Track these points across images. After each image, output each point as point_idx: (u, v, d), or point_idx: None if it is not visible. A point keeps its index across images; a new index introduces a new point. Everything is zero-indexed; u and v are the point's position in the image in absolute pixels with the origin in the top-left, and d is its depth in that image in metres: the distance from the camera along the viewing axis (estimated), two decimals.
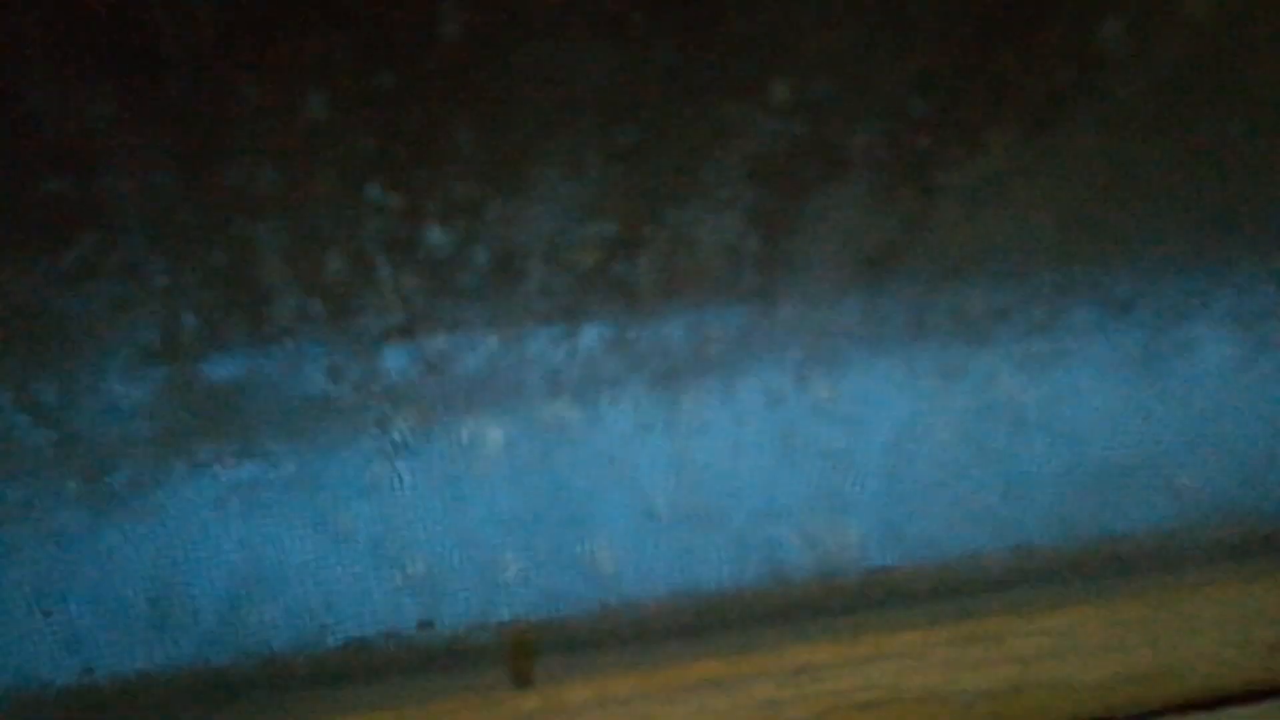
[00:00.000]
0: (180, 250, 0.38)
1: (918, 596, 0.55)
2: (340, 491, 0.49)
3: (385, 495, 0.49)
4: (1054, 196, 0.45)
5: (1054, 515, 0.55)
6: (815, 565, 0.54)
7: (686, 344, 0.48)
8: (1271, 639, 0.54)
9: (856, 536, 0.54)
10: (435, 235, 0.41)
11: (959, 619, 0.54)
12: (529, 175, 0.39)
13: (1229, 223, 0.48)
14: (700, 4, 0.37)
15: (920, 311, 0.48)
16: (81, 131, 0.34)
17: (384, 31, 0.34)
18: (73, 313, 0.39)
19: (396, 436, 0.48)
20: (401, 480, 0.49)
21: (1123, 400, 0.52)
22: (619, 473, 0.51)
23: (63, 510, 0.46)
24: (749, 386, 0.50)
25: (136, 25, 0.33)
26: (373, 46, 0.35)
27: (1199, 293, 0.50)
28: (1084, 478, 0.54)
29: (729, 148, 0.41)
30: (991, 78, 0.41)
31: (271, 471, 0.48)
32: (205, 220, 0.37)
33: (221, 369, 0.44)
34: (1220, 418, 0.54)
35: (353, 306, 0.43)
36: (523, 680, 0.51)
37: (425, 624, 0.52)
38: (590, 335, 0.47)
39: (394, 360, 0.46)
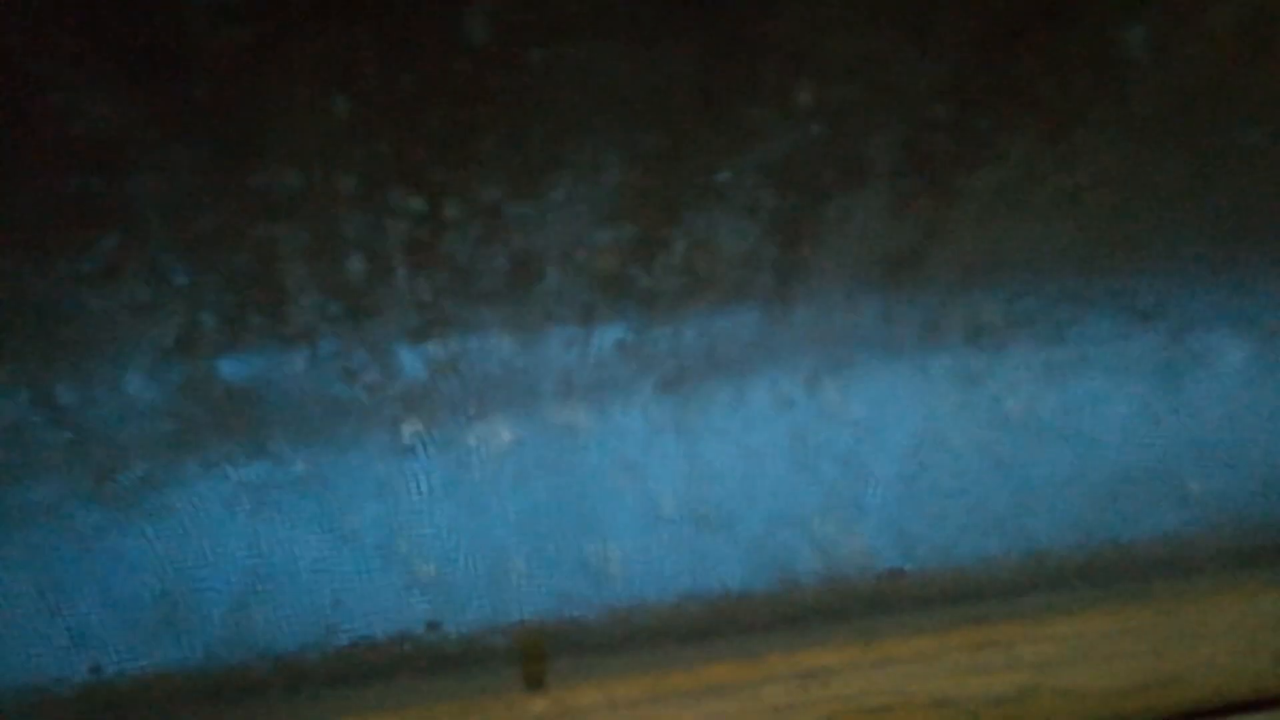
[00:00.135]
0: (202, 251, 0.38)
1: (928, 602, 0.55)
2: (352, 492, 0.49)
3: (397, 496, 0.49)
4: (1072, 204, 0.45)
5: (1065, 522, 0.55)
6: (826, 570, 0.54)
7: (702, 348, 0.48)
8: None
9: (867, 541, 0.54)
10: (454, 238, 0.41)
11: (970, 625, 0.54)
12: (550, 179, 0.39)
13: (1247, 231, 0.48)
14: (723, 10, 0.37)
15: (935, 317, 0.48)
16: (106, 132, 0.34)
17: (409, 35, 0.34)
18: (92, 313, 0.39)
19: (408, 438, 0.48)
20: (414, 482, 0.49)
21: (1135, 408, 0.52)
22: (632, 476, 0.51)
23: (73, 508, 0.46)
24: (763, 391, 0.50)
25: (163, 27, 0.33)
26: (397, 50, 0.35)
27: (1214, 301, 0.50)
28: (1095, 484, 0.54)
29: (750, 153, 0.40)
30: (1012, 84, 0.41)
31: (283, 472, 0.48)
32: (227, 222, 0.37)
33: (237, 369, 0.44)
34: (1232, 426, 0.54)
35: (370, 308, 0.42)
36: (534, 683, 0.51)
37: (436, 625, 0.52)
38: (605, 339, 0.47)
39: (409, 362, 0.46)
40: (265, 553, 0.49)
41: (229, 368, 0.43)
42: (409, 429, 0.48)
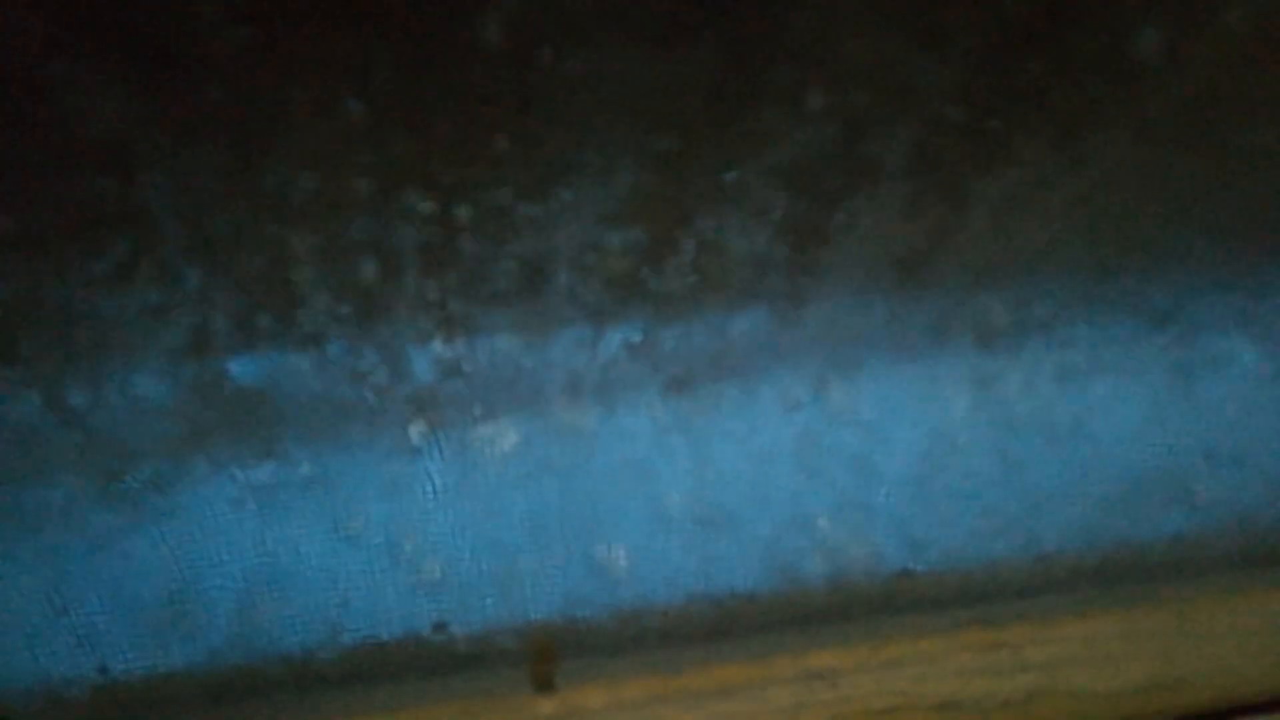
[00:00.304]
0: (214, 253, 0.38)
1: (936, 603, 0.55)
2: (360, 493, 0.49)
3: (406, 497, 0.49)
4: (1083, 206, 0.45)
5: (1074, 524, 0.55)
6: (834, 571, 0.54)
7: (712, 350, 0.48)
8: None
9: (876, 543, 0.54)
10: (466, 240, 0.40)
11: (978, 626, 0.54)
12: (562, 181, 0.39)
13: (1259, 234, 0.48)
14: (736, 13, 0.37)
15: (946, 320, 0.48)
16: (118, 134, 0.34)
17: (423, 37, 0.34)
18: (103, 315, 0.39)
19: (416, 439, 0.48)
20: (423, 483, 0.49)
21: (1145, 410, 0.52)
22: (641, 477, 0.51)
23: (81, 509, 0.46)
24: (772, 392, 0.50)
25: (175, 29, 0.32)
26: (411, 52, 0.34)
27: (1226, 304, 0.50)
28: (1104, 487, 0.54)
29: (762, 155, 0.40)
30: (1023, 87, 0.41)
31: (291, 472, 0.48)
32: (240, 224, 0.37)
33: (247, 370, 0.44)
34: (1241, 429, 0.54)
35: (380, 310, 0.42)
36: (544, 685, 0.51)
37: (443, 627, 0.52)
38: (615, 341, 0.47)
39: (418, 363, 0.46)
40: (273, 553, 0.49)
41: (239, 369, 0.43)
42: (417, 430, 0.48)
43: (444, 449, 0.48)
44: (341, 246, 0.39)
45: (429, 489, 0.49)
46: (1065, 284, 0.48)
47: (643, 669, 0.52)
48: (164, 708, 0.51)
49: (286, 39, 0.34)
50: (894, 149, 0.42)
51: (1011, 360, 0.50)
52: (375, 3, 0.33)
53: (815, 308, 0.47)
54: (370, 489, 0.49)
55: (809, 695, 0.52)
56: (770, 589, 0.54)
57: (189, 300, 0.39)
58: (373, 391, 0.46)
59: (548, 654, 0.52)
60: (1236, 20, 0.41)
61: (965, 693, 0.53)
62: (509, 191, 0.39)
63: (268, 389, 0.44)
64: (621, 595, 0.53)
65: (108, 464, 0.45)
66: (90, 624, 0.49)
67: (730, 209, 0.42)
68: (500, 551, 0.51)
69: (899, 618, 0.55)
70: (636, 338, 0.46)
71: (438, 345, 0.45)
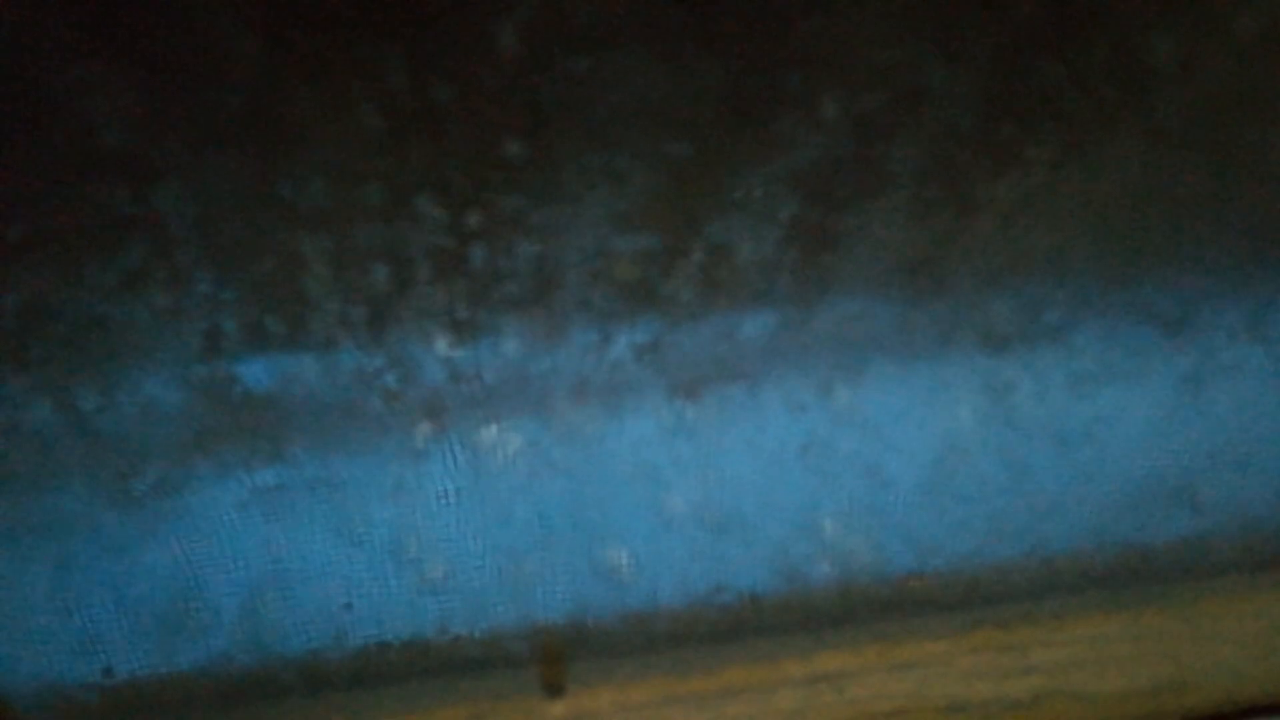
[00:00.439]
0: (227, 260, 0.38)
1: (942, 606, 0.55)
2: (366, 496, 0.49)
3: (413, 500, 0.49)
4: (1095, 213, 0.45)
5: (1080, 527, 0.55)
6: (840, 574, 0.54)
7: (720, 354, 0.48)
8: None
9: (882, 545, 0.54)
10: (477, 246, 0.40)
11: (983, 629, 0.54)
12: (575, 188, 0.39)
13: (1270, 241, 0.48)
14: (751, 21, 0.37)
15: (954, 325, 0.48)
16: (133, 142, 0.34)
17: (439, 45, 0.34)
18: (116, 321, 0.39)
19: (423, 442, 0.48)
20: (430, 485, 0.49)
21: (1153, 415, 0.52)
22: (648, 480, 0.51)
23: (89, 511, 0.46)
24: (781, 396, 0.50)
25: (191, 37, 0.32)
26: (427, 60, 0.34)
27: (1236, 310, 0.50)
28: (1111, 489, 0.54)
29: (775, 162, 0.40)
30: (1036, 94, 0.41)
31: (298, 475, 0.48)
32: (254, 231, 0.37)
33: (257, 374, 0.43)
34: (1246, 432, 0.54)
35: (390, 315, 0.42)
36: (554, 688, 0.51)
37: (449, 629, 0.52)
38: (622, 345, 0.47)
39: (427, 367, 0.45)
40: (280, 556, 0.49)
41: (249, 373, 0.43)
42: (424, 433, 0.48)
43: (452, 452, 0.48)
44: (353, 252, 0.39)
45: (436, 492, 0.49)
46: (1077, 290, 0.48)
47: (651, 671, 0.52)
48: (170, 710, 0.51)
49: (301, 46, 0.34)
50: (905, 154, 0.42)
51: (1020, 365, 0.50)
52: (390, 11, 0.33)
53: (825, 312, 0.47)
54: (377, 492, 0.49)
55: (816, 698, 0.52)
56: (778, 592, 0.54)
57: (202, 306, 0.39)
58: (382, 395, 0.46)
59: (556, 657, 0.52)
60: (1249, 27, 0.41)
61: (972, 695, 0.53)
62: (521, 197, 0.39)
63: (277, 393, 0.44)
64: (630, 598, 0.53)
65: (115, 466, 0.45)
66: (97, 626, 0.49)
67: (742, 215, 0.42)
68: (509, 554, 0.51)
69: (906, 620, 0.55)
70: (646, 344, 0.46)
71: (447, 349, 0.45)
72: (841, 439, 0.51)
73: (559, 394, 0.48)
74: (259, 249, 0.38)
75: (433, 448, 0.48)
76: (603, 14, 0.35)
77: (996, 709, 0.53)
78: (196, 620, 0.50)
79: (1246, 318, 0.51)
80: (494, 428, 0.48)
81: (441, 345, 0.44)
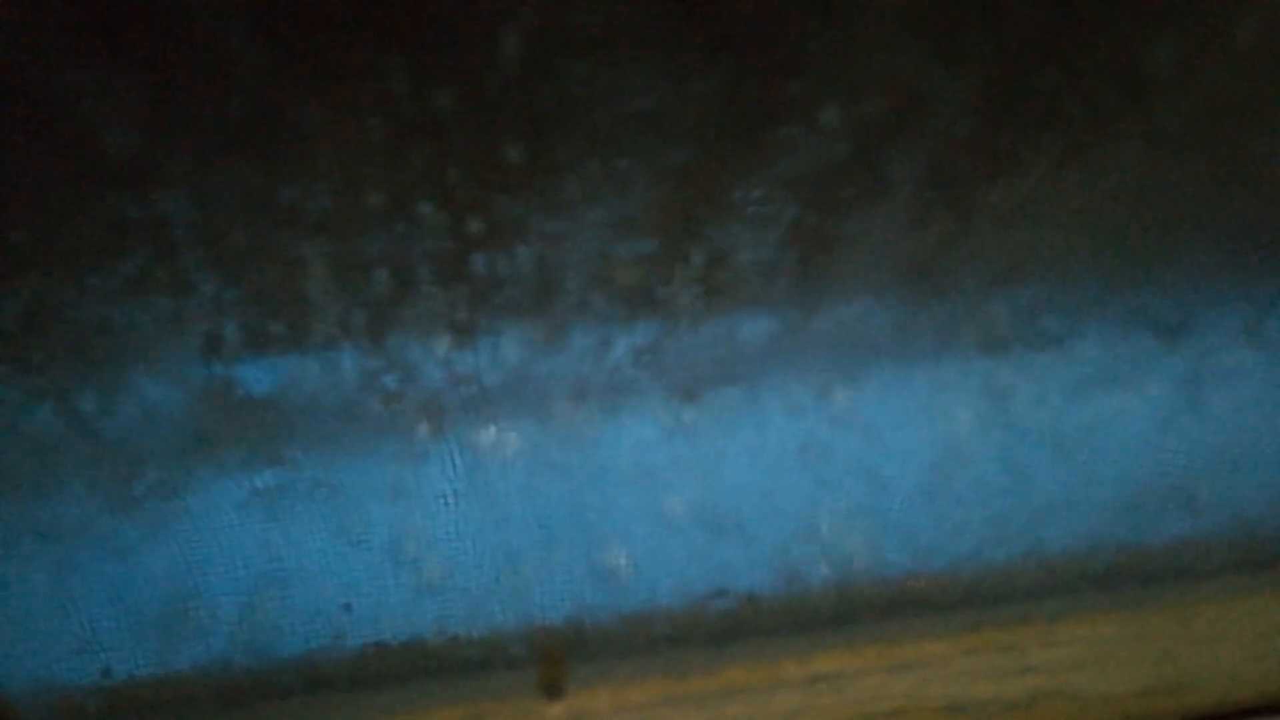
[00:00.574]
0: (229, 266, 0.38)
1: (941, 607, 0.56)
2: (366, 498, 0.49)
3: (412, 501, 0.49)
4: (1094, 218, 0.45)
5: (1078, 529, 0.55)
6: (839, 575, 0.55)
7: (719, 357, 0.48)
8: None
9: (880, 547, 0.54)
10: (478, 252, 0.40)
11: (981, 630, 0.54)
12: (577, 195, 0.39)
13: (1269, 247, 0.48)
14: (752, 29, 0.37)
15: (953, 328, 0.48)
16: (135, 148, 0.34)
17: (441, 52, 0.34)
18: (118, 326, 0.39)
19: (423, 444, 0.48)
20: (429, 487, 0.49)
21: (1151, 418, 0.53)
22: (647, 482, 0.51)
23: (89, 513, 0.46)
24: (780, 399, 0.50)
25: (194, 44, 0.32)
26: (430, 67, 0.34)
27: (1234, 316, 0.50)
28: (1109, 492, 0.54)
29: (775, 168, 0.40)
30: (1035, 100, 0.41)
31: (298, 477, 0.48)
32: (256, 235, 0.37)
33: (257, 378, 0.43)
34: (1243, 434, 0.54)
35: (391, 319, 0.42)
36: (553, 689, 0.51)
37: (448, 630, 0.52)
38: (622, 348, 0.47)
39: (427, 370, 0.45)
40: (278, 557, 0.49)
41: (250, 376, 0.43)
42: (424, 435, 0.48)
43: (452, 454, 0.48)
44: (355, 256, 0.39)
45: (436, 493, 0.49)
46: (1076, 295, 0.48)
47: (650, 672, 0.52)
48: (169, 711, 0.51)
49: (303, 52, 0.34)
50: (905, 160, 0.42)
51: (1018, 368, 0.51)
52: (392, 16, 0.33)
53: (824, 317, 0.47)
54: (376, 494, 0.49)
55: (815, 698, 0.52)
56: (776, 593, 0.54)
57: (203, 311, 0.39)
58: (382, 397, 0.46)
59: (555, 658, 0.53)
60: (1249, 33, 0.41)
61: (970, 696, 0.53)
62: (522, 202, 0.39)
63: (277, 396, 0.44)
64: (628, 599, 0.53)
65: (116, 468, 0.45)
66: (96, 627, 0.49)
67: (742, 221, 0.42)
68: (508, 556, 0.51)
69: (903, 621, 0.55)
70: (645, 347, 0.47)
71: (447, 351, 0.45)
72: (840, 441, 0.51)
73: (558, 396, 0.48)
74: (261, 253, 0.38)
75: (432, 450, 0.48)
76: (604, 20, 0.35)
77: (995, 709, 0.53)
78: (196, 621, 0.50)
79: (1244, 322, 0.51)
80: (493, 429, 0.48)
81: (441, 348, 0.44)
